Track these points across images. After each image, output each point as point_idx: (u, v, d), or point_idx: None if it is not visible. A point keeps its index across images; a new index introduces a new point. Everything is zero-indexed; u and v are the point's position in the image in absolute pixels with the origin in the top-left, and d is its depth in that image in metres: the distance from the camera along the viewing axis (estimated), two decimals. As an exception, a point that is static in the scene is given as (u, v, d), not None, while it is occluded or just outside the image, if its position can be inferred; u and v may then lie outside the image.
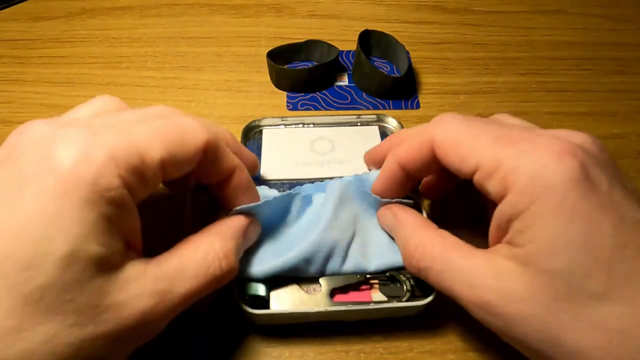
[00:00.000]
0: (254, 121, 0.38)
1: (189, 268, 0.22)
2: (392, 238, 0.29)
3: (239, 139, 0.36)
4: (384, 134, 0.38)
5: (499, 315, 0.21)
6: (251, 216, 0.26)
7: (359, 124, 0.38)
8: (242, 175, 0.25)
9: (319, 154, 0.36)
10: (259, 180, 0.34)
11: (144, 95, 0.41)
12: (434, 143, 0.25)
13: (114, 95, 0.41)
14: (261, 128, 0.38)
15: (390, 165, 0.27)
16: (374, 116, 0.38)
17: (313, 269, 0.28)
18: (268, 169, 0.35)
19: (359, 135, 0.37)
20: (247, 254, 0.27)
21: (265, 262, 0.27)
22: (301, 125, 0.38)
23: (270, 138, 0.37)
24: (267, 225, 0.28)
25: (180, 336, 0.29)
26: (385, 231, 0.29)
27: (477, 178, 0.23)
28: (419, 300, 0.27)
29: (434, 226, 0.26)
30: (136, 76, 0.42)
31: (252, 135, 0.38)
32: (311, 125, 0.38)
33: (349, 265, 0.28)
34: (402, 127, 0.38)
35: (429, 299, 0.27)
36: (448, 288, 0.24)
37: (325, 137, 0.37)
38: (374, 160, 0.31)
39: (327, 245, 0.28)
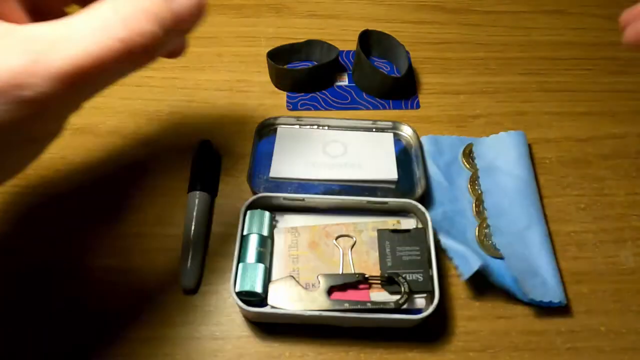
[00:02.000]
0: (269, 119, 0.38)
1: (78, 29, 0.18)
2: None
3: (252, 136, 0.37)
4: (398, 141, 0.38)
5: None
6: None
7: (374, 129, 0.38)
8: None
9: (331, 157, 0.36)
10: (268, 180, 0.35)
11: (144, 95, 0.41)
12: None
13: (114, 96, 0.41)
14: (276, 126, 0.38)
15: None
16: (390, 123, 0.38)
17: None
18: (278, 167, 0.35)
19: (373, 142, 0.37)
20: None
21: None
22: (316, 126, 0.38)
23: (283, 136, 0.37)
24: None
25: (180, 336, 0.29)
26: None
27: None
28: (416, 314, 0.27)
29: None
30: (136, 76, 0.42)
31: (266, 132, 0.38)
32: (326, 127, 0.38)
33: None
34: (416, 135, 0.38)
35: (426, 313, 0.27)
36: None
37: (339, 140, 0.37)
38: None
39: None
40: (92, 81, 0.19)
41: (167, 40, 0.21)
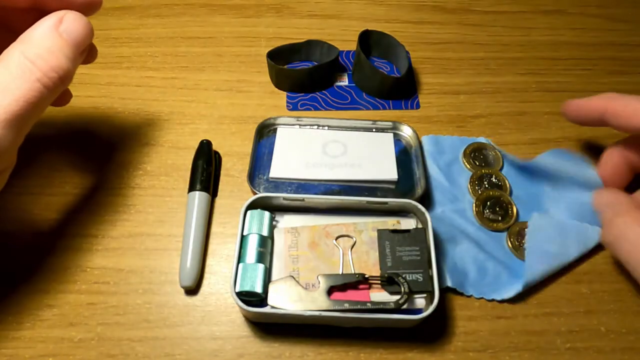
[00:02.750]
0: (269, 119, 0.38)
1: (1, 81, 0.23)
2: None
3: (252, 136, 0.37)
4: (398, 141, 0.38)
5: None
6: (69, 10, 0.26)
7: (374, 129, 0.38)
8: None
9: (330, 157, 0.36)
10: (268, 180, 0.35)
11: (144, 95, 0.41)
12: None
13: (114, 96, 0.41)
14: (276, 126, 0.38)
15: (598, 105, 0.31)
16: (390, 123, 0.38)
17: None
18: (278, 167, 0.35)
19: (373, 141, 0.37)
20: None
21: None
22: (316, 126, 0.38)
23: (283, 137, 0.37)
24: None
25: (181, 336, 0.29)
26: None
27: None
28: (416, 314, 0.27)
29: None
30: (136, 76, 0.42)
31: (266, 132, 0.38)
32: (326, 128, 0.38)
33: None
34: (416, 135, 0.38)
35: (426, 313, 0.27)
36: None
37: (339, 141, 0.37)
38: (578, 110, 0.34)
39: None
40: (28, 118, 0.24)
41: (76, 65, 0.26)
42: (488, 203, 0.35)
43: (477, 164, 0.37)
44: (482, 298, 0.31)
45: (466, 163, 0.37)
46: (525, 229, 0.33)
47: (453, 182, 0.36)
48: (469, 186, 0.36)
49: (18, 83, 0.23)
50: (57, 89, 0.25)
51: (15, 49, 0.24)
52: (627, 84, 0.44)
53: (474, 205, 0.35)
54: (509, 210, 0.34)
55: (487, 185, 0.36)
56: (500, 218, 0.34)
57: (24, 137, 0.25)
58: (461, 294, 0.31)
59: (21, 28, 0.25)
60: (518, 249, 0.33)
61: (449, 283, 0.31)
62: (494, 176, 0.36)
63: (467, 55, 0.46)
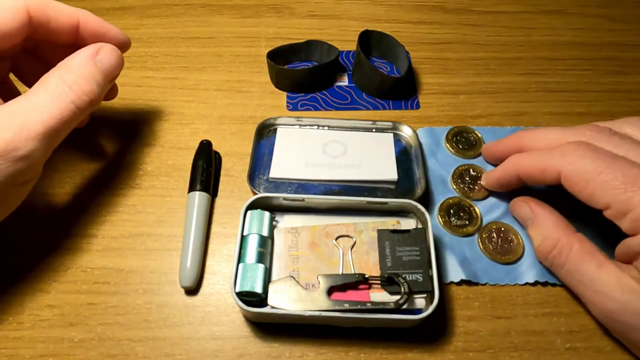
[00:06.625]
0: (269, 119, 0.38)
1: (41, 100, 0.26)
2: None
3: (252, 136, 0.37)
4: (398, 142, 0.38)
5: (618, 322, 0.26)
6: (103, 43, 0.30)
7: (374, 130, 0.38)
8: (90, 20, 0.30)
9: (331, 157, 0.36)
10: (268, 181, 0.35)
11: (144, 95, 0.41)
12: (561, 175, 0.28)
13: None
14: (276, 126, 0.38)
15: (510, 171, 0.31)
16: (390, 123, 0.38)
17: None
18: (278, 167, 0.35)
19: (373, 142, 0.37)
20: None
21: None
22: (316, 126, 0.38)
23: (283, 137, 0.37)
24: None
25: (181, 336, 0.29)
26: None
27: (607, 214, 0.26)
28: (416, 314, 0.27)
29: (571, 228, 0.29)
30: (136, 76, 0.42)
31: (266, 133, 0.38)
32: (326, 128, 0.38)
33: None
34: (416, 135, 0.38)
35: (426, 313, 0.27)
36: (575, 287, 0.29)
37: (339, 141, 0.37)
38: (494, 157, 0.36)
39: None
40: (60, 134, 0.27)
41: (105, 91, 0.30)
42: (451, 211, 0.34)
43: (461, 147, 0.37)
44: (496, 285, 0.31)
45: (449, 148, 0.38)
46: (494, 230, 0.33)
47: (449, 173, 0.37)
48: (453, 185, 0.36)
49: (55, 103, 0.26)
50: (87, 110, 0.28)
51: (55, 74, 0.27)
52: (627, 84, 0.44)
53: (439, 216, 0.34)
54: (472, 213, 0.34)
55: (469, 180, 0.36)
56: (467, 222, 0.34)
57: (51, 152, 0.27)
58: (463, 291, 0.31)
59: (57, 62, 0.28)
60: (489, 251, 0.32)
61: (463, 276, 0.31)
62: (471, 169, 0.36)
63: (467, 55, 0.46)
